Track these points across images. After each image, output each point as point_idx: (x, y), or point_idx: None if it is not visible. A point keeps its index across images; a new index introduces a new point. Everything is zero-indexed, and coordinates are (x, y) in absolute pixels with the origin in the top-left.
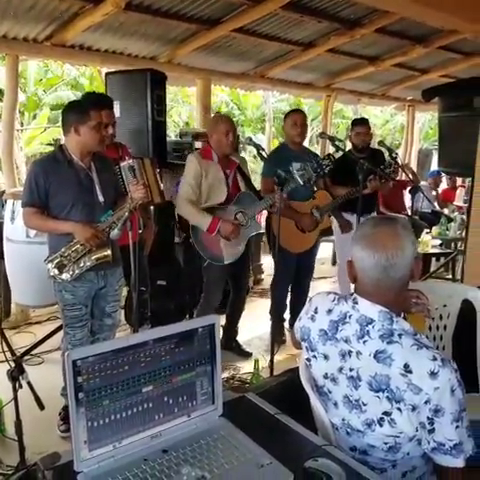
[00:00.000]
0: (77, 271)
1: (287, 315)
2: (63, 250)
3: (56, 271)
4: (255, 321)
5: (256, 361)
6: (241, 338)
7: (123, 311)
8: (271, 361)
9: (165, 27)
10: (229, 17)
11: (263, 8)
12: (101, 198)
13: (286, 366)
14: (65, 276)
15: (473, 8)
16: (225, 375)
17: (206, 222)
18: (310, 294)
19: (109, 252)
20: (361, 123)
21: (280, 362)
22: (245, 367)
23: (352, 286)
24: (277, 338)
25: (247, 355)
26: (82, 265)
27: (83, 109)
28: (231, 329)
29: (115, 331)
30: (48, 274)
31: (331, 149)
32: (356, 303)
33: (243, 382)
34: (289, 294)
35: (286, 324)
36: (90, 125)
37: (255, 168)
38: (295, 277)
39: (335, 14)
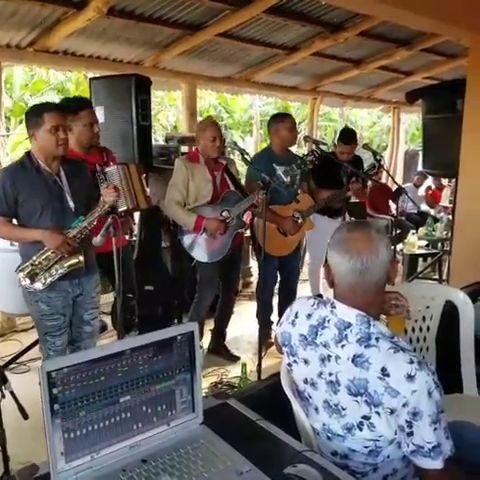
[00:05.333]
0: (49, 279)
1: (275, 318)
2: (34, 258)
3: (28, 280)
4: (244, 324)
5: (243, 365)
6: (229, 342)
7: (110, 317)
8: (259, 365)
9: (149, 32)
10: (212, 22)
11: (246, 13)
12: (71, 204)
13: (275, 370)
14: (37, 285)
15: (453, 11)
16: (213, 380)
17: (191, 221)
18: (298, 296)
19: (81, 258)
20: (348, 142)
21: (269, 366)
22: (233, 371)
23: (321, 287)
24: (265, 341)
25: (235, 359)
26: (54, 273)
27: (37, 113)
28: (220, 332)
29: (95, 339)
30: (19, 284)
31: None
32: (334, 307)
33: (231, 386)
34: (276, 296)
35: (274, 327)
36: (45, 128)
37: (243, 171)
38: (282, 280)
39: (318, 18)
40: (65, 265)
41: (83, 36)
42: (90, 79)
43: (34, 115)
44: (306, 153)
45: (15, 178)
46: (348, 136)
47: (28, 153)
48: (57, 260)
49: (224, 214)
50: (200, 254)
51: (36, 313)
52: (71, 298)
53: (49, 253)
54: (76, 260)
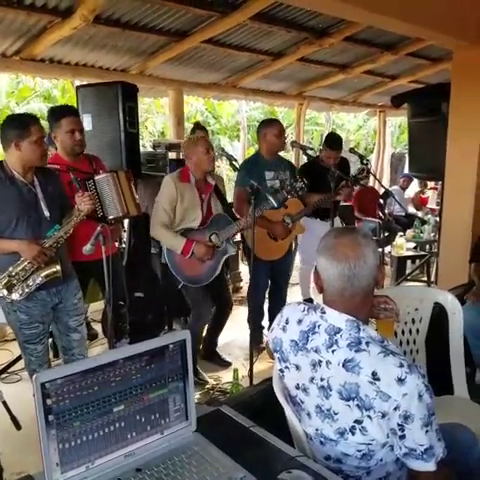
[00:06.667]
0: (27, 290)
1: (266, 322)
2: (11, 269)
3: (5, 291)
4: (235, 329)
5: (235, 370)
6: (221, 347)
7: (100, 325)
8: (250, 370)
9: (135, 39)
10: (198, 29)
11: (231, 20)
12: (47, 213)
13: (266, 374)
14: (15, 296)
15: (437, 17)
16: (206, 386)
17: (180, 245)
18: (288, 300)
19: (58, 268)
20: (333, 147)
21: (260, 370)
22: (225, 377)
23: (311, 291)
24: (256, 345)
25: (227, 365)
26: (31, 283)
27: (23, 124)
28: (211, 342)
29: (86, 345)
30: None
31: (304, 157)
32: (324, 313)
33: (223, 392)
34: (267, 301)
35: (265, 331)
36: (31, 140)
37: (232, 176)
38: (272, 284)
39: (303, 24)
40: (42, 275)
41: (69, 44)
42: (77, 87)
43: (19, 126)
44: (295, 179)
45: None
46: (334, 142)
47: (0, 163)
48: (34, 270)
49: (213, 238)
50: (187, 278)
51: (15, 322)
52: (50, 307)
53: (25, 264)
54: (53, 269)
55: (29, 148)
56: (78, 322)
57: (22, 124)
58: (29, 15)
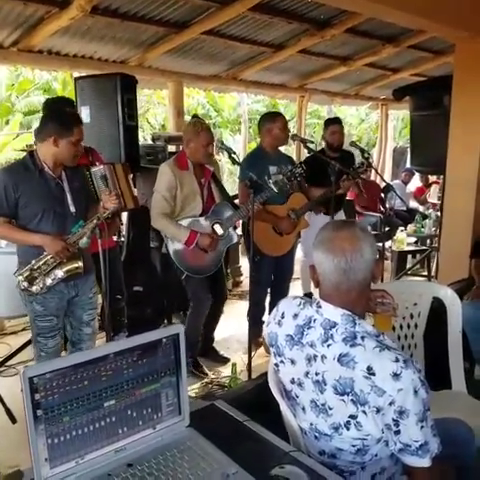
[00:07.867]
0: (47, 283)
1: (267, 317)
2: (33, 262)
3: (26, 284)
4: (234, 324)
5: (233, 365)
6: (220, 341)
7: (99, 318)
8: (249, 364)
9: (134, 30)
10: (198, 20)
11: (231, 10)
12: (72, 208)
13: (265, 368)
14: (35, 289)
15: (438, 9)
16: (204, 380)
17: (184, 236)
18: (289, 294)
19: (80, 264)
20: (335, 122)
21: (259, 364)
22: (224, 371)
23: (312, 285)
24: (255, 340)
25: (225, 360)
26: (53, 277)
27: (68, 123)
28: (207, 337)
29: (95, 340)
30: (18, 286)
31: (306, 150)
32: (320, 307)
33: (221, 386)
34: (268, 296)
35: (265, 326)
36: (70, 140)
37: (232, 169)
38: (276, 280)
39: (304, 15)
40: (64, 270)
41: (67, 35)
42: (75, 79)
43: (63, 124)
44: (294, 165)
45: (17, 180)
46: (330, 119)
47: (31, 154)
48: (56, 265)
49: (216, 228)
50: (191, 268)
51: (30, 313)
52: (66, 300)
53: (48, 258)
54: (75, 265)
55: (66, 147)
56: (91, 316)
57: (66, 123)
58: (26, 5)
